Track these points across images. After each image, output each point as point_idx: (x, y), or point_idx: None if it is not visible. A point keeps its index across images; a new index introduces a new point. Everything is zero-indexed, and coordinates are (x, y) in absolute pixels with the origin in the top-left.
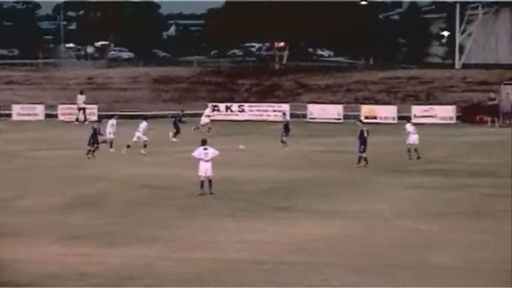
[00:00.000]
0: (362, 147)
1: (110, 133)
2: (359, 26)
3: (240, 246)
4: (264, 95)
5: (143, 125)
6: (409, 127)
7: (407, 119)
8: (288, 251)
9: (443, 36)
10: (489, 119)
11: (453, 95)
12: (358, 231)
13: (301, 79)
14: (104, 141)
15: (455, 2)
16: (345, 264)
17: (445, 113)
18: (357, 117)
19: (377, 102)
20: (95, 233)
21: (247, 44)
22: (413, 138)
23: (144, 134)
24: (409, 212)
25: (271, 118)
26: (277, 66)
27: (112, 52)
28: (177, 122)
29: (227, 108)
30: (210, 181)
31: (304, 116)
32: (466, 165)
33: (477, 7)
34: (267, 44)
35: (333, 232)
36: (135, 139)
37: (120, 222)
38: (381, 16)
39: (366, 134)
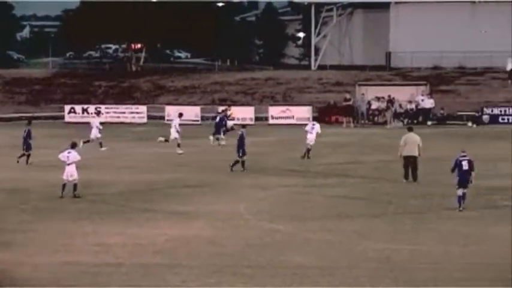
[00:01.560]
0: (241, 150)
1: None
2: (215, 27)
3: (98, 249)
4: (121, 97)
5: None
6: (308, 126)
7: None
8: (146, 253)
9: (299, 37)
10: (344, 119)
11: (309, 96)
12: (216, 232)
13: (159, 81)
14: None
15: (311, 4)
16: (203, 265)
17: (302, 113)
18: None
19: (234, 103)
20: None
21: (103, 46)
22: (310, 138)
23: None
24: (266, 212)
25: (129, 120)
26: (134, 68)
27: None
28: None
29: (83, 110)
30: (74, 185)
31: (162, 117)
32: (322, 165)
33: (332, 9)
34: (124, 46)
35: (192, 233)
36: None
37: None
38: (237, 18)
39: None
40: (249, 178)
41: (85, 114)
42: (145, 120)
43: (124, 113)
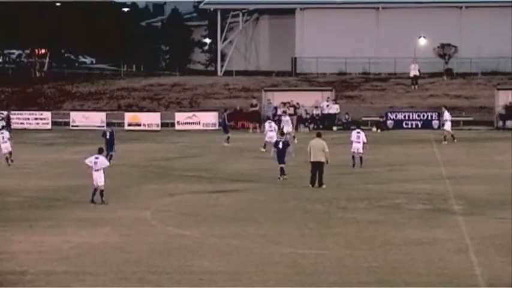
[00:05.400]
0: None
1: None
2: (121, 33)
3: (1, 256)
4: (25, 103)
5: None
6: (353, 135)
7: (354, 127)
8: (51, 261)
9: (205, 43)
10: (251, 125)
11: (216, 102)
12: (123, 238)
13: (63, 86)
14: None
15: (216, 10)
16: (109, 271)
17: (208, 119)
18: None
19: (141, 109)
20: None
21: (6, 51)
22: (356, 147)
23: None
24: (173, 218)
25: (33, 126)
26: (38, 74)
27: None
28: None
29: None
30: (101, 191)
31: (67, 123)
32: (229, 171)
33: (238, 15)
34: (27, 51)
35: (97, 240)
36: (4, 151)
37: None
38: (143, 23)
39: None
40: (155, 184)
41: None
42: (49, 126)
43: (28, 119)
